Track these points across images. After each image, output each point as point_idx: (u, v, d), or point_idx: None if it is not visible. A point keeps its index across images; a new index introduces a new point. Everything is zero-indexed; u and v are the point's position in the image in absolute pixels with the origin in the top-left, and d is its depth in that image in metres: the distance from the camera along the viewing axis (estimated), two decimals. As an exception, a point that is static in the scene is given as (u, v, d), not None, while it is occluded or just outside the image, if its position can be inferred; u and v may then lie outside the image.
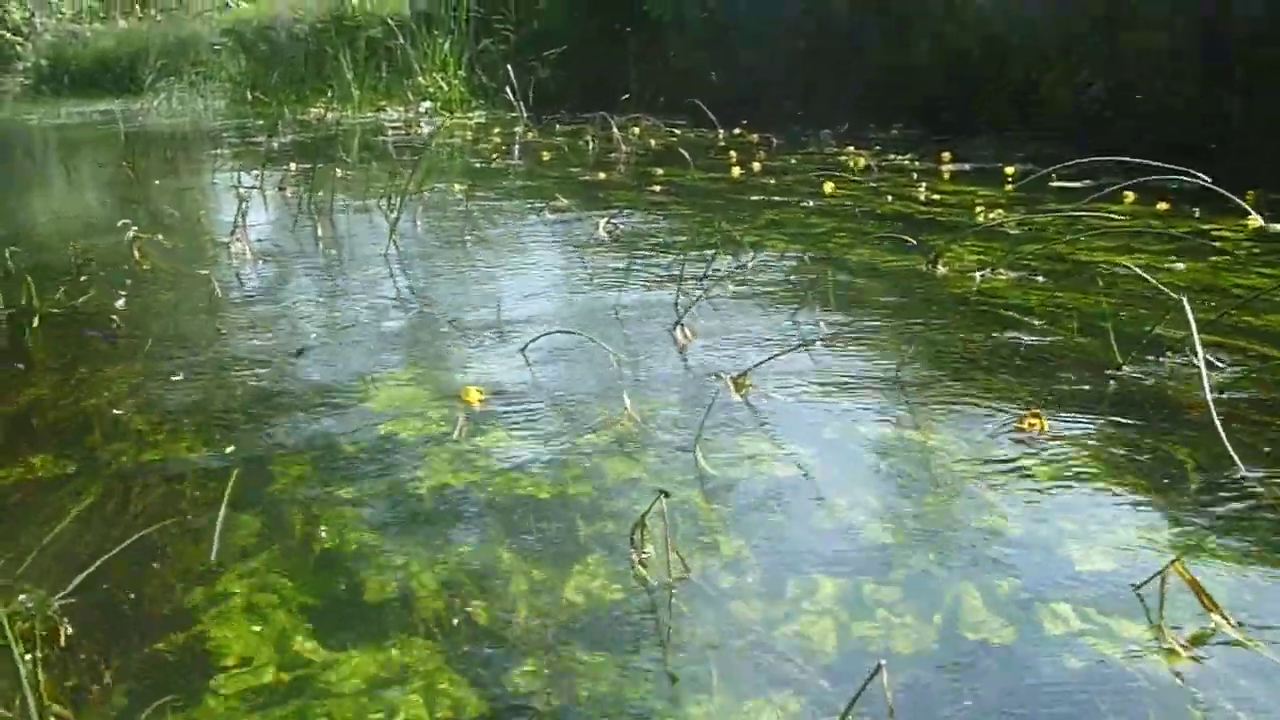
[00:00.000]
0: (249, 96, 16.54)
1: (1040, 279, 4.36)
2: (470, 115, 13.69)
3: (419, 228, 5.90)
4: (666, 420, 2.91)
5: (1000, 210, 5.94)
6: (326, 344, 3.68)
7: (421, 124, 12.58)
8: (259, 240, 5.59)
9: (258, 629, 1.96)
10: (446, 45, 14.68)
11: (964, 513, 2.36)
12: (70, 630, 1.94)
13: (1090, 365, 3.29)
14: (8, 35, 24.60)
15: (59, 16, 25.46)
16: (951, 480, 2.51)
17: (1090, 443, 2.71)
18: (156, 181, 8.13)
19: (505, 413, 2.98)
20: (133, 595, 2.08)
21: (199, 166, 8.97)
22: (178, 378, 3.35)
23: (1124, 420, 2.85)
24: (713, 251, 4.69)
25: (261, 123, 13.07)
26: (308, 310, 4.16)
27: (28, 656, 1.74)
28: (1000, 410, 2.93)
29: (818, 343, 3.54)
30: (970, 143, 8.91)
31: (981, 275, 4.44)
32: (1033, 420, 2.78)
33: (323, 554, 2.23)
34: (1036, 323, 3.73)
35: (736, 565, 2.15)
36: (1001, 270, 4.49)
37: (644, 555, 2.18)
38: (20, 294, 4.21)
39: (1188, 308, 2.95)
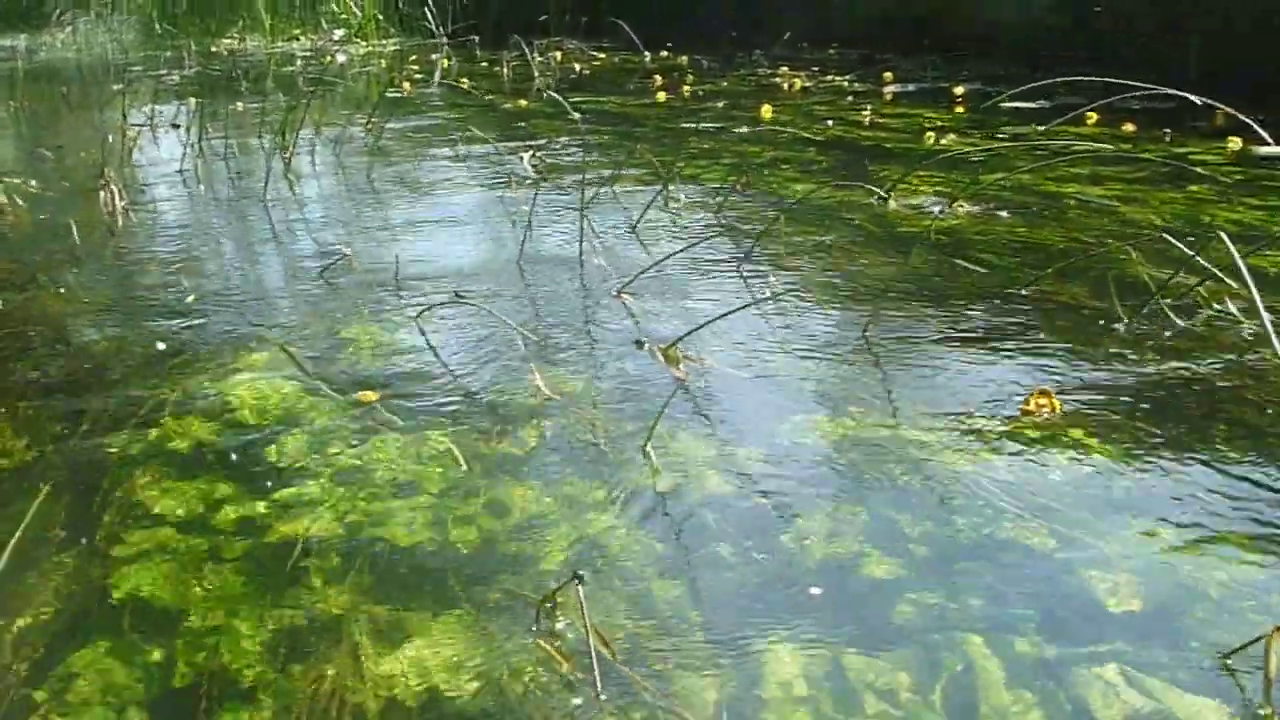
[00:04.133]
0: (158, 29, 15.70)
1: (1005, 214, 3.90)
2: (386, 43, 12.99)
3: (317, 167, 5.31)
4: (584, 413, 2.40)
5: (952, 136, 5.46)
6: (178, 316, 3.12)
7: (335, 53, 11.87)
8: (140, 184, 5.01)
9: None
10: (360, -32, 13.93)
11: (970, 540, 1.88)
12: None
13: (1088, 322, 2.83)
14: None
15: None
16: (948, 489, 2.03)
17: (1117, 432, 2.23)
18: (42, 122, 7.45)
19: (395, 405, 2.47)
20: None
21: (94, 104, 8.24)
22: None
23: (1150, 396, 2.39)
24: (640, 188, 4.19)
25: (169, 55, 12.31)
26: (164, 269, 3.59)
27: None
28: (993, 383, 2.46)
29: (762, 300, 3.04)
30: (912, 61, 8.42)
31: (940, 210, 3.97)
32: (1041, 399, 2.28)
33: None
34: (1009, 266, 3.27)
35: (674, 630, 1.66)
36: (962, 203, 4.02)
37: (554, 629, 1.66)
38: None
39: (1229, 245, 2.50)
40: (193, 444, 2.27)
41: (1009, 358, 2.61)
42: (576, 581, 1.61)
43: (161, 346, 2.84)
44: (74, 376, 2.66)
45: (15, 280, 3.48)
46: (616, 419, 2.32)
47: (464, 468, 2.13)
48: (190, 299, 3.23)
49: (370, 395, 2.44)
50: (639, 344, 2.71)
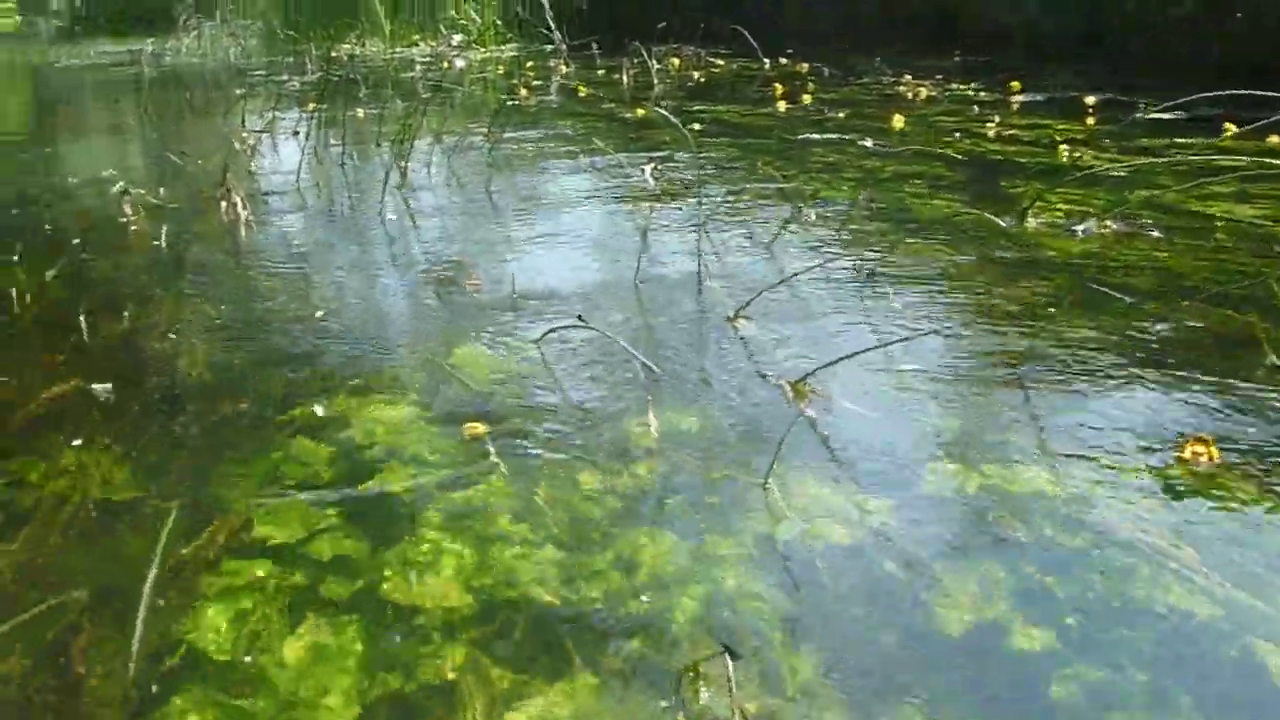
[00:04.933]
0: (280, 34, 15.94)
1: (1155, 234, 3.70)
2: (504, 48, 13.01)
3: (434, 178, 5.28)
4: (706, 452, 2.29)
5: (1087, 150, 5.24)
6: (288, 335, 3.08)
7: (453, 59, 11.91)
8: (260, 193, 5.02)
9: None
10: (479, -26, 13.98)
11: (1127, 605, 1.73)
12: None
13: (1247, 358, 2.64)
14: (39, -25, 24.07)
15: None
16: (1101, 547, 1.88)
17: None
18: (167, 127, 7.55)
19: (508, 442, 2.39)
20: None
21: (217, 110, 8.34)
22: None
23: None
24: (761, 202, 4.06)
25: (290, 61, 12.46)
26: (285, 288, 3.56)
27: None
28: (1146, 425, 2.30)
29: (898, 341, 2.89)
30: (1039, 70, 8.17)
31: (1082, 230, 3.78)
32: (1198, 447, 2.12)
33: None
34: (1158, 293, 3.08)
35: (811, 710, 1.54)
36: (1107, 223, 3.82)
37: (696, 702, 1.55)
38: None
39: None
40: (303, 474, 2.21)
41: (1162, 396, 2.45)
42: (726, 655, 1.50)
43: (282, 370, 2.79)
44: (186, 395, 2.62)
45: (139, 294, 3.47)
46: (741, 459, 2.21)
47: (579, 513, 2.03)
48: (307, 322, 3.18)
49: (479, 428, 2.36)
50: (764, 376, 2.58)
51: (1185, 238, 3.67)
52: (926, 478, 2.12)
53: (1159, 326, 2.86)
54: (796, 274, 3.31)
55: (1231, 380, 2.51)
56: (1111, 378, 2.56)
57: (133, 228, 4.40)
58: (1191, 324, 2.87)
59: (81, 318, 3.21)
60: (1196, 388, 2.48)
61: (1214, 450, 2.10)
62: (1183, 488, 2.04)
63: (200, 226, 4.38)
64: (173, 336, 3.06)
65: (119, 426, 2.46)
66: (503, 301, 3.25)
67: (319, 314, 3.21)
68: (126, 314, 3.27)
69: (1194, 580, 1.75)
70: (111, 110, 8.57)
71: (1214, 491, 2.02)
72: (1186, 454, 2.11)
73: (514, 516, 2.02)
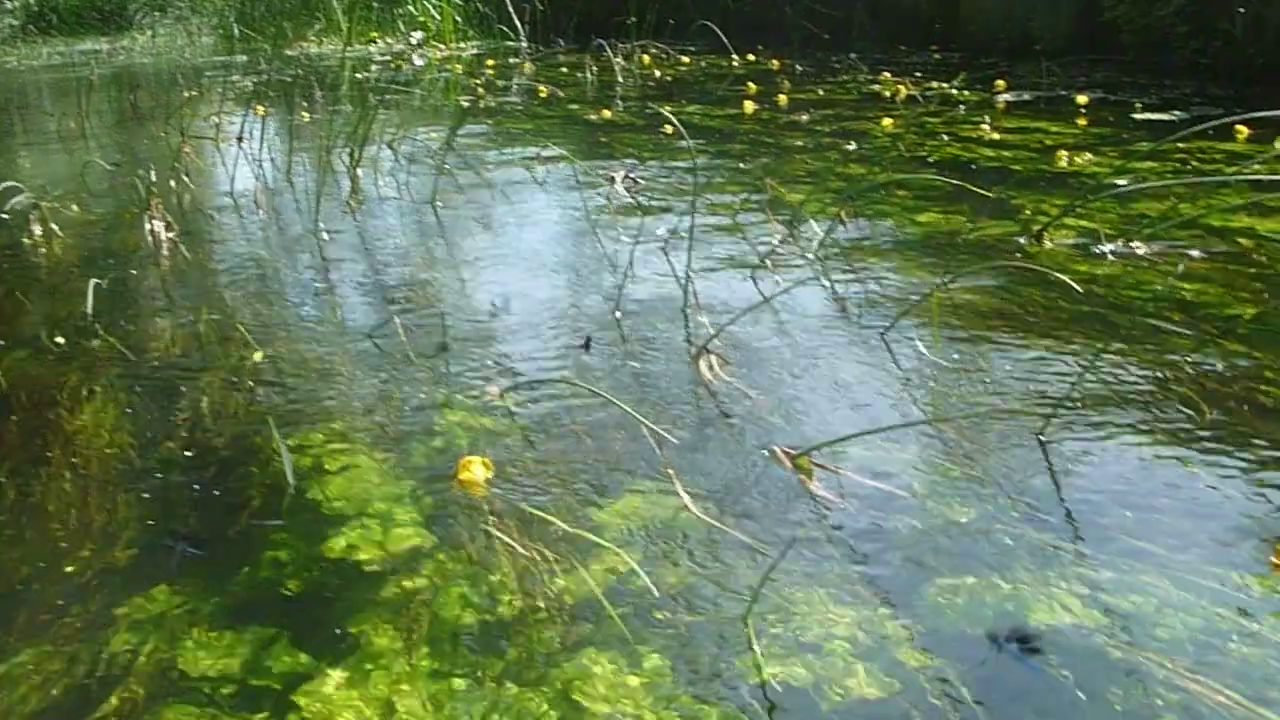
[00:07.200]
0: (235, 31, 15.47)
1: (1195, 253, 3.34)
2: (465, 45, 12.59)
3: (386, 190, 4.86)
4: (685, 549, 1.90)
5: (1087, 155, 4.88)
6: (208, 386, 2.66)
7: (412, 57, 11.49)
8: (196, 208, 4.60)
9: None
10: (439, -31, 13.55)
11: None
12: None
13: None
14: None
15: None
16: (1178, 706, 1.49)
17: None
18: (107, 134, 7.08)
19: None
20: None
21: (163, 113, 7.87)
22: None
23: None
24: (737, 216, 3.68)
25: (244, 60, 12.01)
26: (208, 321, 3.14)
27: None
28: (1223, 518, 1.90)
29: (921, 423, 2.49)
30: (1023, 68, 7.82)
31: (1109, 253, 3.40)
32: None
33: None
34: (1210, 333, 2.70)
35: None
36: (1136, 243, 3.45)
37: None
38: None
39: None
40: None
41: (1241, 477, 2.05)
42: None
43: (184, 433, 2.38)
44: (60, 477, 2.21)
45: (31, 335, 3.04)
46: (726, 566, 1.81)
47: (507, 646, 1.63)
48: (234, 366, 2.77)
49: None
50: (763, 450, 2.18)
51: (1226, 259, 3.30)
52: (949, 595, 1.73)
53: (1223, 381, 2.49)
54: (764, 303, 2.92)
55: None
56: (1176, 456, 2.18)
57: (41, 249, 3.96)
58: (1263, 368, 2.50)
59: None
60: None
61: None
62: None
63: (120, 246, 3.96)
64: (60, 383, 2.64)
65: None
66: (452, 344, 2.85)
67: (255, 358, 2.79)
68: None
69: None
70: (52, 115, 8.08)
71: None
72: (1281, 556, 1.72)
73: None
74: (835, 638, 1.59)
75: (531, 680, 1.52)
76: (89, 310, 3.12)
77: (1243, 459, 2.08)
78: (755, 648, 1.56)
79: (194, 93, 8.47)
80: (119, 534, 1.95)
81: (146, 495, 2.09)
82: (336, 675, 1.54)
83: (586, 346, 2.74)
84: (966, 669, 1.51)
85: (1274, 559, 1.72)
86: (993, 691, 1.47)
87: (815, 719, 1.43)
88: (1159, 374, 2.47)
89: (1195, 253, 3.35)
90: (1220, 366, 2.49)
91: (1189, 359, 2.53)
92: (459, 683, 1.52)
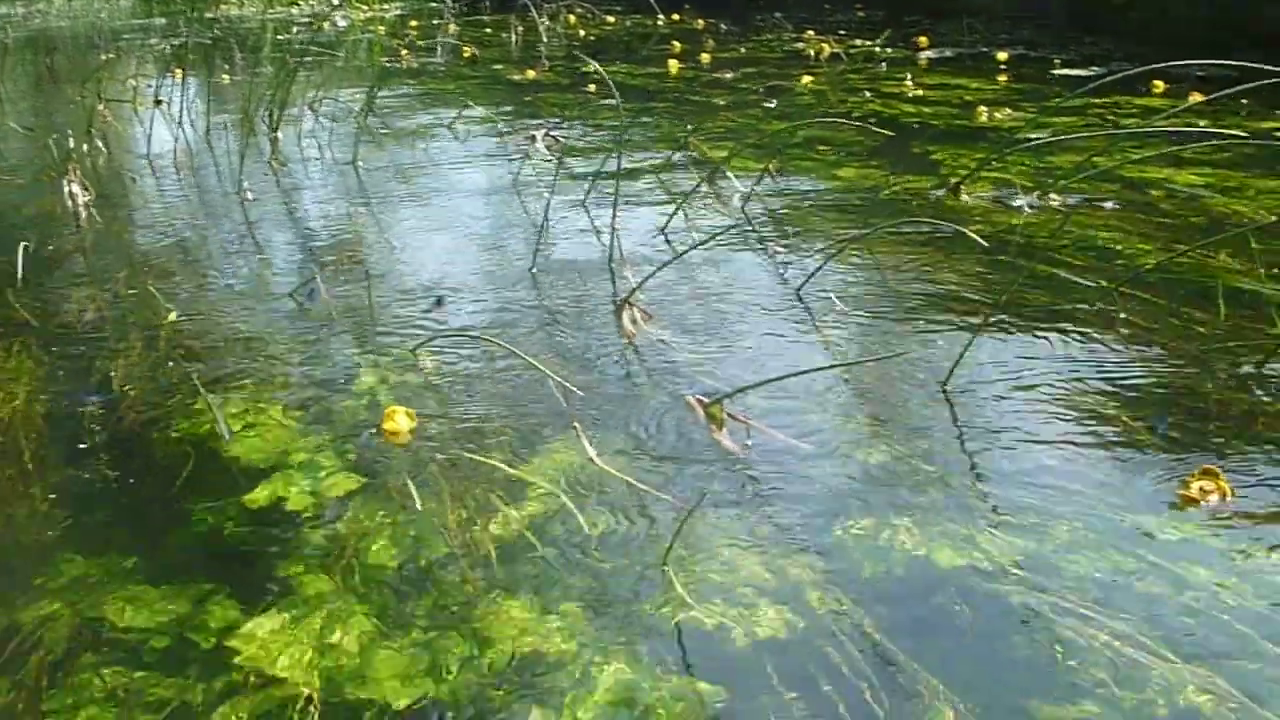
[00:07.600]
0: (155, -9, 15.15)
1: (1110, 205, 3.40)
2: (388, 6, 12.45)
3: (307, 151, 4.82)
4: (599, 498, 1.92)
5: (1007, 110, 4.94)
6: (127, 350, 2.64)
7: (335, 18, 11.34)
8: (114, 171, 4.54)
9: None
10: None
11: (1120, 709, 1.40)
12: None
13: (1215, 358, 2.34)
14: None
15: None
16: (1071, 635, 1.55)
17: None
18: (22, 98, 6.93)
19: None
20: None
21: (79, 76, 7.72)
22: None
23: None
24: (662, 174, 3.69)
25: (164, 22, 11.78)
26: (124, 285, 3.11)
27: None
28: (1130, 459, 1.96)
29: (835, 366, 2.52)
30: (946, 25, 7.88)
31: (1025, 204, 3.45)
32: (1205, 482, 1.76)
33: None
34: (1114, 277, 2.76)
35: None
36: (1052, 195, 3.50)
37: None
38: None
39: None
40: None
41: (1146, 417, 2.11)
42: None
43: (101, 395, 2.36)
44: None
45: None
46: (637, 514, 1.84)
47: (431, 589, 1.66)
48: (152, 327, 2.75)
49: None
50: (676, 398, 2.21)
51: (1139, 209, 3.36)
52: (855, 535, 1.78)
53: (1123, 322, 2.55)
54: (684, 254, 2.95)
55: (1225, 398, 2.20)
56: (1080, 390, 2.24)
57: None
58: (1170, 324, 2.56)
59: None
60: (1199, 409, 2.17)
61: (1225, 485, 1.75)
62: (1203, 541, 1.71)
63: (34, 211, 3.90)
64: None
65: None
66: (374, 305, 2.84)
67: (170, 318, 2.77)
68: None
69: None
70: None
71: (1237, 542, 1.70)
72: (1193, 490, 1.76)
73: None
74: (744, 583, 1.62)
75: (452, 621, 1.55)
76: (19, 275, 3.07)
77: (1150, 396, 2.14)
78: (670, 593, 1.59)
79: (111, 56, 8.32)
80: (41, 498, 1.94)
81: (65, 459, 2.08)
82: (270, 621, 1.56)
83: (439, 303, 2.75)
84: (871, 609, 1.55)
85: (1181, 491, 1.77)
86: (897, 631, 1.51)
87: (726, 659, 1.47)
88: (1062, 323, 2.53)
89: (1109, 204, 3.41)
90: (1123, 314, 2.56)
91: (1093, 307, 2.59)
92: (386, 624, 1.55)
